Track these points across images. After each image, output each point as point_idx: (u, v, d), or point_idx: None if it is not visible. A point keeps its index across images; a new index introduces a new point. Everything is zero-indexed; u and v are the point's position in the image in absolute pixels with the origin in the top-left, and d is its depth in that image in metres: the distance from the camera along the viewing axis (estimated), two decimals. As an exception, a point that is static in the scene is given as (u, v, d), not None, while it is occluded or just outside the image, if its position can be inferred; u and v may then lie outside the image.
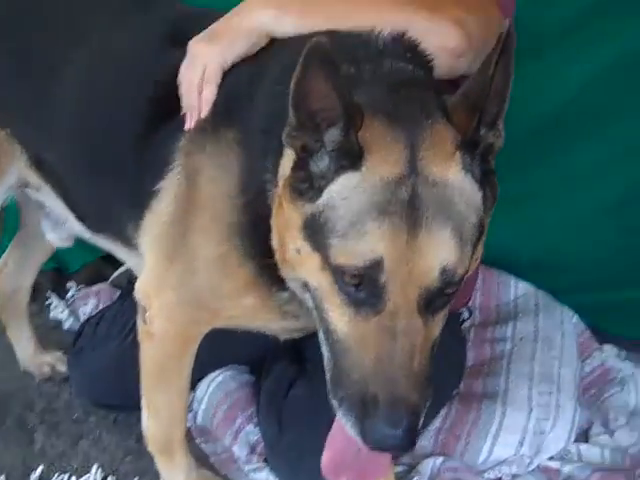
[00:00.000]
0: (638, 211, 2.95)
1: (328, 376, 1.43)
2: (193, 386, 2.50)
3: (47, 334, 2.93)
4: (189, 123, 1.72)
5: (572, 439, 2.32)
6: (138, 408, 2.27)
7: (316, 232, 1.38)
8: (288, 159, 1.49)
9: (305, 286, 1.47)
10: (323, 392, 2.06)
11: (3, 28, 2.08)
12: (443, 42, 1.68)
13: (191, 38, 1.77)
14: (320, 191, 1.39)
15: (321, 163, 1.40)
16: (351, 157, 1.36)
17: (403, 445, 1.32)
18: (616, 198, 2.94)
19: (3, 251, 2.75)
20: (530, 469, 2.24)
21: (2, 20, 2.09)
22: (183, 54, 1.77)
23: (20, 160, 2.14)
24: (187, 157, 1.72)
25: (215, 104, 1.71)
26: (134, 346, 1.97)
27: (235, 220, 1.65)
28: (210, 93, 1.71)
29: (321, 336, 1.46)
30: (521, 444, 2.25)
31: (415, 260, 1.31)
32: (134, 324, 2.38)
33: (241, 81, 1.71)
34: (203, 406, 2.46)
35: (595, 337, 2.78)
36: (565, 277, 2.94)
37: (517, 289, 2.91)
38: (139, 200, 1.82)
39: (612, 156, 2.90)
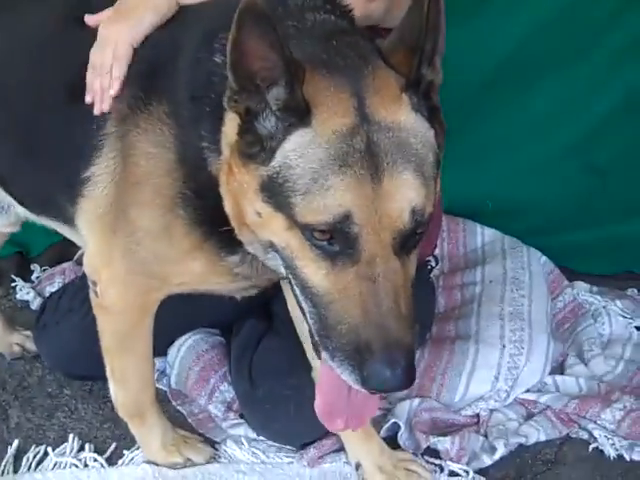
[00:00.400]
0: (599, 151, 2.98)
1: (314, 329, 1.41)
2: (164, 352, 2.50)
3: (15, 315, 2.89)
4: (99, 106, 1.70)
5: (547, 371, 2.35)
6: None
7: (276, 193, 1.36)
8: (231, 124, 1.45)
9: (271, 246, 1.45)
10: (291, 344, 2.09)
11: None
12: None
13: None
14: (272, 152, 1.36)
15: (268, 123, 1.37)
16: (298, 113, 1.34)
17: (404, 384, 1.34)
18: (577, 139, 2.97)
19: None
20: (507, 403, 2.26)
21: None
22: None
23: None
24: (121, 139, 1.68)
25: (142, 79, 1.68)
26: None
27: (176, 192, 1.62)
28: (119, 71, 1.68)
29: (297, 292, 1.44)
30: (497, 379, 2.26)
31: (383, 206, 1.30)
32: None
33: (162, 53, 1.67)
34: (175, 370, 2.45)
35: (565, 275, 2.80)
36: (531, 220, 2.97)
37: (484, 236, 2.92)
38: (72, 186, 1.78)
39: (570, 96, 2.93)
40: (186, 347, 2.45)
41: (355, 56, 1.42)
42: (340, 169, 1.31)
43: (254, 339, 2.29)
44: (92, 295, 1.90)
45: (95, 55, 1.74)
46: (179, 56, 1.62)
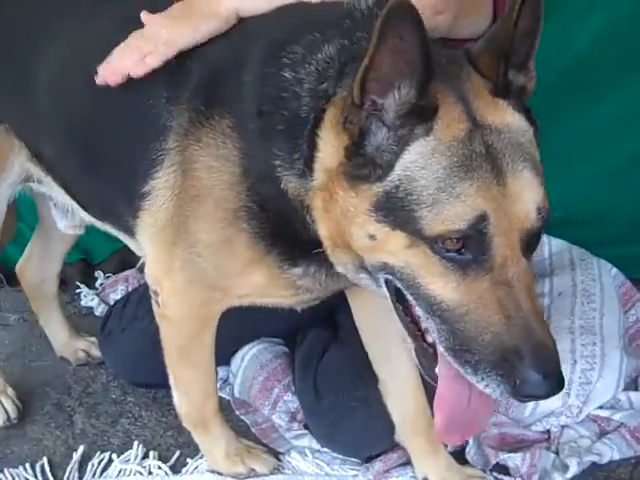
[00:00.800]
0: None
1: (445, 346, 1.36)
2: (227, 361, 2.49)
3: (80, 321, 2.92)
4: (105, 74, 1.69)
5: (621, 387, 2.27)
6: (170, 385, 2.28)
7: (395, 209, 1.32)
8: (328, 149, 1.41)
9: (384, 269, 1.39)
10: (357, 355, 2.07)
11: None
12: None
13: None
14: (390, 167, 1.33)
15: (380, 137, 1.34)
16: (425, 115, 1.31)
17: (556, 389, 1.31)
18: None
19: (25, 244, 2.76)
20: (579, 419, 2.20)
21: None
22: None
23: (20, 154, 2.12)
24: (182, 153, 1.66)
25: (204, 93, 1.64)
26: (160, 326, 1.95)
27: (239, 205, 1.60)
28: (155, 61, 1.66)
29: (420, 311, 1.39)
30: (568, 395, 2.20)
31: (511, 207, 1.29)
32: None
33: (224, 66, 1.64)
34: (239, 379, 2.44)
35: (636, 287, 2.72)
36: (600, 230, 2.88)
37: (551, 246, 2.85)
38: (132, 199, 1.77)
39: (637, 107, 2.85)
40: (250, 356, 2.44)
41: (447, 62, 1.40)
42: (466, 174, 1.29)
43: (319, 349, 2.27)
44: (154, 305, 1.90)
45: (136, 40, 1.70)
46: (243, 69, 1.59)
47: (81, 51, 1.89)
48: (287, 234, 1.58)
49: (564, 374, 2.13)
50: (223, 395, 2.43)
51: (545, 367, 1.29)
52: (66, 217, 2.33)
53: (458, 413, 1.48)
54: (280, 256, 1.62)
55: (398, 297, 1.43)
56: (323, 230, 1.48)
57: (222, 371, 2.48)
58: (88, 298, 3.03)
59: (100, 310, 2.97)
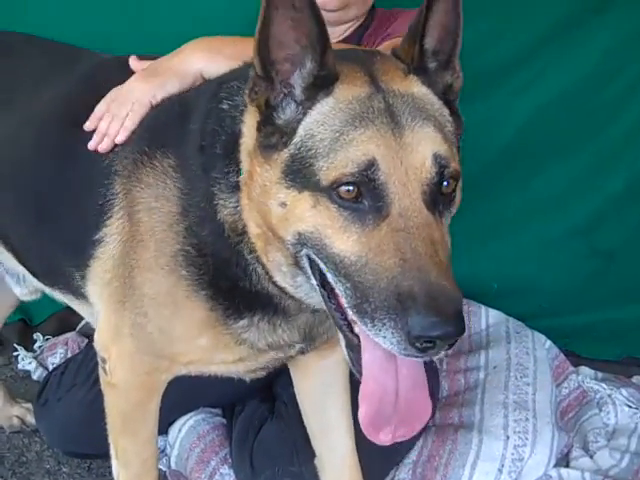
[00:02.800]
0: (604, 235, 3.02)
1: (350, 304, 1.33)
2: (164, 430, 2.47)
3: (16, 386, 2.89)
4: (97, 143, 1.74)
5: (552, 464, 2.31)
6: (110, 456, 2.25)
7: (299, 169, 1.37)
8: (249, 131, 1.48)
9: (299, 240, 1.39)
10: (293, 429, 2.08)
11: None
12: None
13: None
14: (294, 131, 1.39)
15: (288, 111, 1.41)
16: (326, 83, 1.38)
17: (453, 330, 1.21)
18: (581, 222, 3.01)
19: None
20: (510, 496, 2.23)
21: None
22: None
23: None
24: (126, 196, 1.69)
25: (149, 135, 1.72)
26: (101, 394, 1.93)
27: (177, 248, 1.62)
28: (132, 123, 1.75)
29: (330, 278, 1.37)
30: (500, 471, 2.24)
31: (407, 156, 1.31)
32: (99, 373, 2.38)
33: (172, 111, 1.73)
34: (175, 451, 2.42)
35: (569, 360, 2.79)
36: (535, 301, 2.98)
37: (488, 318, 2.92)
38: (82, 250, 1.78)
39: (574, 179, 2.98)
40: (187, 427, 2.43)
41: (364, 52, 1.54)
42: (361, 123, 1.34)
43: (255, 423, 2.27)
44: (101, 372, 1.88)
45: (113, 100, 1.79)
46: (188, 113, 1.67)
47: (31, 115, 1.93)
48: (228, 282, 1.59)
49: (495, 448, 2.25)
50: (160, 466, 2.40)
51: (439, 306, 1.21)
52: (19, 284, 2.32)
53: (385, 406, 1.40)
54: (225, 311, 1.63)
55: (322, 280, 1.41)
56: (252, 228, 1.50)
57: (160, 441, 2.45)
58: (26, 361, 2.97)
59: (38, 374, 2.93)
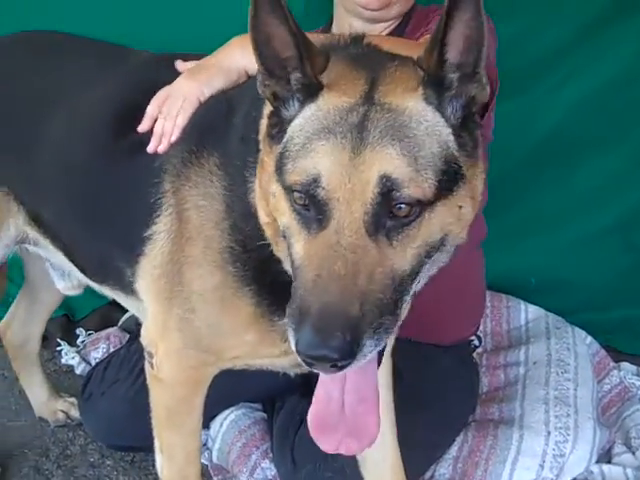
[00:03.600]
0: (640, 229, 2.98)
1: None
2: (206, 425, 2.51)
3: (60, 380, 2.94)
4: (156, 145, 1.77)
5: (594, 460, 2.30)
6: (153, 449, 2.28)
7: (280, 168, 1.41)
8: (263, 121, 1.53)
9: (283, 234, 1.45)
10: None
11: None
12: None
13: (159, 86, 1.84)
14: (285, 130, 1.44)
15: (290, 108, 1.44)
16: (311, 91, 1.41)
17: (328, 354, 1.24)
18: (619, 216, 2.97)
19: (10, 304, 2.77)
20: (552, 492, 2.22)
21: None
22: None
23: (18, 218, 2.16)
24: (175, 194, 1.73)
25: (197, 134, 1.75)
26: (144, 389, 1.96)
27: (224, 245, 1.65)
28: (183, 120, 1.78)
29: None
30: (542, 467, 2.23)
31: (356, 175, 1.31)
32: (143, 367, 2.41)
33: (217, 111, 1.76)
34: (217, 445, 2.45)
35: (610, 355, 2.77)
36: (575, 298, 2.95)
37: (527, 313, 2.91)
38: (132, 247, 1.82)
39: (613, 174, 2.94)
40: (228, 422, 2.46)
41: (387, 56, 1.50)
42: (325, 136, 1.36)
43: (297, 418, 2.28)
44: (147, 367, 1.92)
45: (164, 99, 1.81)
46: (233, 110, 1.70)
47: (83, 116, 1.96)
48: (270, 277, 1.62)
49: (537, 444, 2.24)
50: (202, 460, 2.43)
51: (323, 329, 1.24)
52: (63, 278, 2.36)
53: (331, 414, 1.44)
54: (269, 307, 1.66)
55: None
56: (262, 216, 1.54)
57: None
58: (69, 356, 3.03)
59: (81, 369, 2.98)
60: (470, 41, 1.36)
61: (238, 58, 1.79)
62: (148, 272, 1.81)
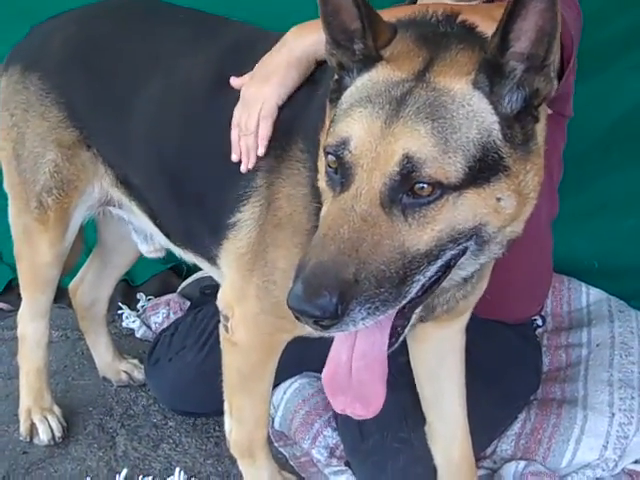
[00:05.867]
0: None
1: None
2: (270, 392, 2.54)
3: (121, 342, 3.00)
4: (246, 165, 1.79)
5: (658, 442, 2.29)
6: (216, 414, 2.32)
7: (328, 131, 1.45)
8: None
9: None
10: (402, 396, 2.10)
11: (91, 58, 2.14)
12: None
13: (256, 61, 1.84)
14: (342, 94, 1.47)
15: (351, 77, 1.47)
16: (369, 63, 1.44)
17: (307, 310, 1.27)
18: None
19: (79, 268, 2.82)
20: (615, 473, 2.23)
21: (89, 52, 2.15)
22: None
23: (103, 179, 2.20)
24: (268, 188, 1.77)
25: (284, 128, 1.77)
26: (210, 356, 1.98)
27: (310, 226, 1.68)
28: (266, 129, 1.78)
29: None
30: (605, 448, 2.23)
31: (383, 147, 1.32)
32: (209, 335, 2.45)
33: (298, 105, 1.78)
34: (280, 412, 2.48)
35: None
36: (636, 283, 2.91)
37: (589, 296, 2.89)
38: (218, 230, 1.87)
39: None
40: (292, 390, 2.49)
41: (453, 36, 1.48)
42: (365, 104, 1.38)
43: (363, 388, 2.30)
44: (222, 330, 1.95)
45: (240, 115, 1.82)
46: (311, 103, 1.72)
47: (179, 86, 1.99)
48: None
49: (600, 424, 2.24)
50: (264, 426, 2.48)
51: (310, 285, 1.27)
52: (146, 241, 2.40)
53: (340, 375, 1.46)
54: None
55: None
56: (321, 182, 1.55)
57: (263, 402, 2.53)
58: (130, 320, 3.09)
59: (141, 332, 3.04)
60: (542, 33, 1.33)
61: (305, 46, 1.77)
62: (232, 251, 1.86)
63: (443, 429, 2.06)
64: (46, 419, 2.47)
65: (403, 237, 1.33)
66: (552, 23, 1.32)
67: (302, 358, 2.42)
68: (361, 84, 1.43)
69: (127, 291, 3.27)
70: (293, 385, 2.50)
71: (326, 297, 1.26)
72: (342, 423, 2.30)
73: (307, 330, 1.87)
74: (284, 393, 2.50)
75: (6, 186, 2.35)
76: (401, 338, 1.49)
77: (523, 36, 1.34)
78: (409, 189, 1.32)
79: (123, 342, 3.02)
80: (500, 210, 1.39)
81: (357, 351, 1.46)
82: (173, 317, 2.97)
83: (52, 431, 2.46)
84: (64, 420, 2.52)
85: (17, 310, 2.53)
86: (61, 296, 2.85)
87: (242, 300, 1.86)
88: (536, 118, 1.43)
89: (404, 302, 1.37)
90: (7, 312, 3.17)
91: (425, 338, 1.99)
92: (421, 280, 1.37)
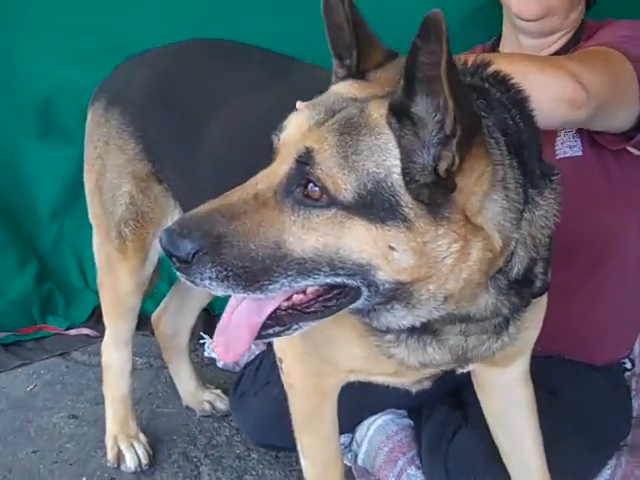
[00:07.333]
0: None
1: None
2: (352, 429, 2.54)
3: (202, 371, 3.04)
4: None
5: None
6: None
7: None
8: None
9: None
10: (489, 440, 2.08)
11: (168, 95, 2.21)
12: (560, 93, 1.72)
13: None
14: None
15: None
16: (348, 78, 1.50)
17: (168, 243, 1.33)
18: None
19: (162, 297, 2.89)
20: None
21: (167, 88, 2.22)
22: None
23: (174, 214, 2.26)
24: None
25: None
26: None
27: None
28: None
29: None
30: None
31: (299, 143, 1.37)
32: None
33: None
34: (364, 448, 2.48)
35: None
36: None
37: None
38: None
39: None
40: (376, 426, 2.48)
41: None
42: (311, 106, 1.45)
43: (449, 429, 2.28)
44: (281, 372, 1.97)
45: None
46: None
47: (243, 125, 2.01)
48: None
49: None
50: (345, 462, 2.47)
51: (176, 226, 1.34)
52: None
53: (225, 317, 1.46)
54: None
55: None
56: None
57: (344, 437, 2.52)
58: (211, 349, 3.12)
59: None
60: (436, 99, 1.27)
61: None
62: None
63: (525, 477, 2.03)
64: (133, 446, 2.52)
65: (284, 229, 1.34)
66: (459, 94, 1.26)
67: (380, 397, 2.39)
68: (331, 89, 1.48)
69: (208, 320, 3.30)
70: (377, 422, 2.50)
71: (185, 240, 1.32)
72: (427, 463, 2.29)
73: (351, 377, 1.86)
74: (367, 429, 2.49)
75: (91, 216, 2.44)
76: (272, 336, 1.47)
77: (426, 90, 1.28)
78: (304, 185, 1.33)
79: (205, 371, 3.07)
80: (391, 259, 1.32)
81: (240, 309, 1.44)
82: (254, 347, 3.01)
83: (139, 458, 2.51)
84: (150, 448, 2.56)
85: (102, 336, 2.60)
86: (144, 324, 2.93)
87: (291, 341, 1.86)
88: (449, 188, 1.32)
89: (260, 295, 1.35)
90: (93, 338, 3.25)
91: (489, 388, 1.98)
92: (284, 285, 1.35)
